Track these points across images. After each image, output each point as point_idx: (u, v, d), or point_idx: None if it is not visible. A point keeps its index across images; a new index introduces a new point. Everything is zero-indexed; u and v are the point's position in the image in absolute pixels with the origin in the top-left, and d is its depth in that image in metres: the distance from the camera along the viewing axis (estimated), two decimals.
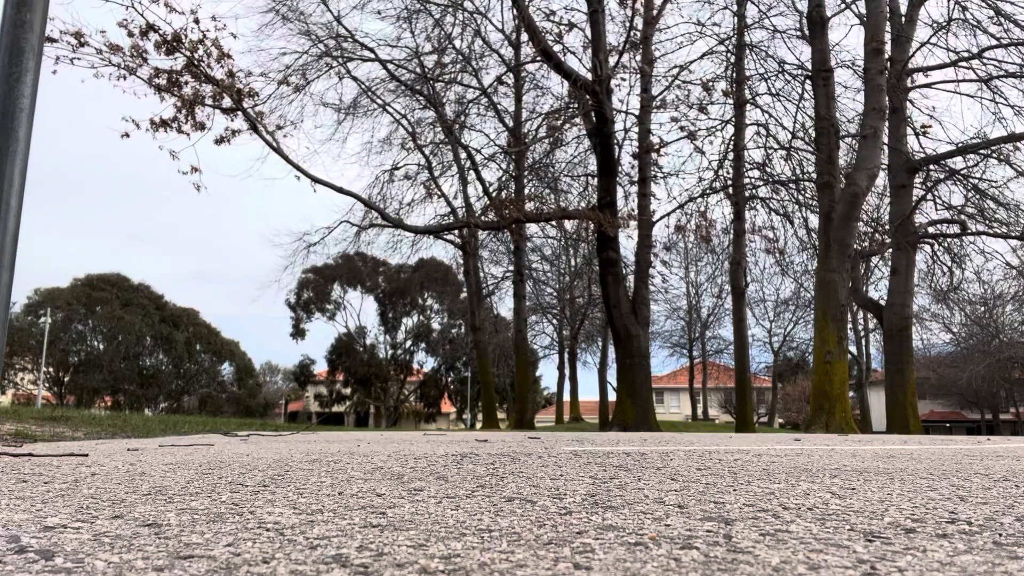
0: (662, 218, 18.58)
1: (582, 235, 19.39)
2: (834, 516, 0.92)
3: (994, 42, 16.10)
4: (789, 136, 17.97)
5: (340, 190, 15.63)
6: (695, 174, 25.85)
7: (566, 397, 40.90)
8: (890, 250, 17.05)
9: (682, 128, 16.62)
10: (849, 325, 26.85)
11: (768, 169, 18.70)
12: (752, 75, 18.22)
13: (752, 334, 20.92)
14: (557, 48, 14.53)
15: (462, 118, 20.66)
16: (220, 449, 2.56)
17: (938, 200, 17.71)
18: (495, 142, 21.56)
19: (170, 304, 50.33)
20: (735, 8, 17.93)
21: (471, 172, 21.10)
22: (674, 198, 31.68)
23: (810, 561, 0.65)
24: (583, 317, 33.59)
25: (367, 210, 19.24)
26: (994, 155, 16.44)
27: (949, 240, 17.97)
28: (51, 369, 44.47)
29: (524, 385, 21.50)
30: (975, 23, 16.08)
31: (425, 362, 53.43)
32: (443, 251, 41.84)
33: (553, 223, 16.52)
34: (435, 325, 52.17)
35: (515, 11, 14.57)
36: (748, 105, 18.42)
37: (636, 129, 16.78)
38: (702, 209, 19.15)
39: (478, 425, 48.28)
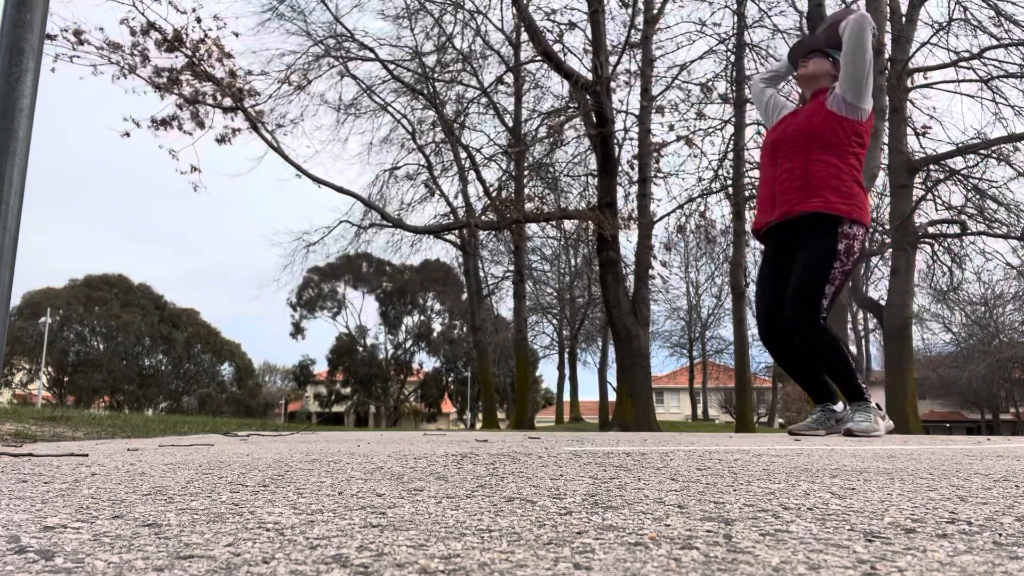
0: (662, 218, 18.58)
1: (582, 235, 19.40)
2: (834, 516, 0.92)
3: (994, 42, 16.12)
4: None
5: (340, 189, 15.65)
6: (695, 174, 25.87)
7: (566, 397, 40.92)
8: (890, 250, 17.05)
9: (679, 137, 16.64)
10: (849, 325, 26.86)
11: None
12: (752, 74, 18.22)
13: (752, 334, 20.92)
14: (557, 48, 14.54)
15: (462, 118, 20.68)
16: (220, 449, 2.56)
17: (938, 200, 17.73)
18: (495, 142, 21.59)
19: (170, 304, 50.32)
20: (735, 7, 17.95)
21: (471, 172, 21.12)
22: (674, 198, 31.72)
23: (810, 561, 0.65)
24: (583, 317, 33.60)
25: (367, 210, 19.26)
26: (994, 155, 16.45)
27: (949, 240, 17.97)
28: (50, 369, 44.42)
29: (524, 385, 21.50)
30: (975, 23, 16.11)
31: (425, 362, 53.44)
32: (443, 251, 41.85)
33: (553, 223, 16.52)
34: (436, 325, 52.19)
35: (515, 10, 14.58)
36: (748, 105, 18.43)
37: (636, 129, 16.79)
38: (702, 209, 19.18)
39: (478, 425, 48.26)
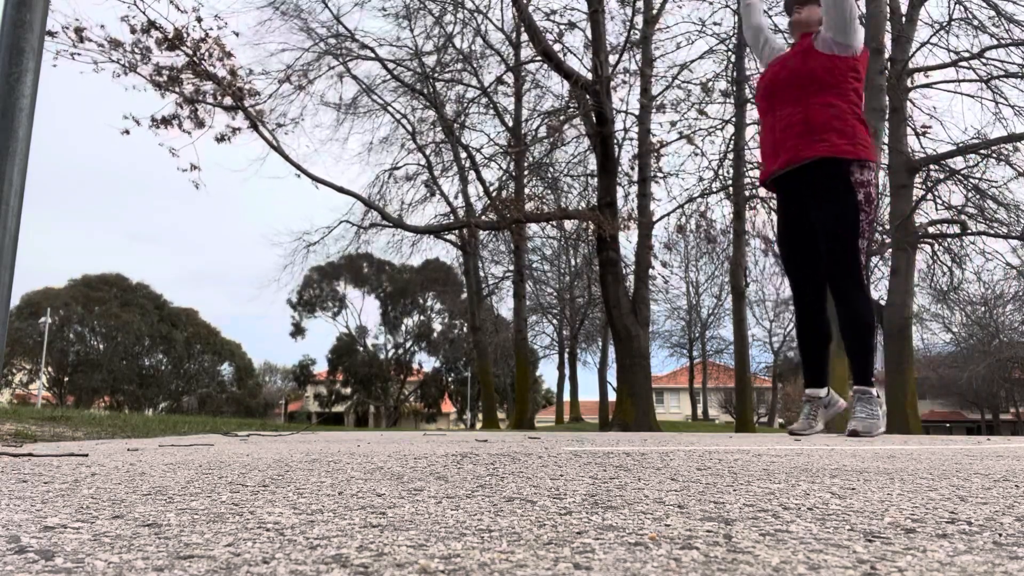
0: (662, 218, 18.58)
1: (582, 235, 19.40)
2: (834, 516, 0.92)
3: (994, 42, 16.13)
4: None
5: (340, 189, 15.64)
6: (695, 174, 25.86)
7: (566, 397, 40.91)
8: (890, 250, 17.05)
9: (680, 134, 16.63)
10: None
11: None
12: (752, 74, 18.21)
13: (752, 334, 20.94)
14: (557, 48, 14.54)
15: (462, 118, 20.68)
16: (220, 449, 2.56)
17: (938, 200, 17.72)
18: (495, 142, 21.59)
19: (169, 304, 50.32)
20: (735, 7, 17.94)
21: (471, 172, 21.12)
22: (674, 198, 31.72)
23: (810, 561, 0.65)
24: (583, 317, 33.59)
25: (367, 210, 19.26)
26: (994, 155, 16.44)
27: (949, 240, 17.97)
28: (50, 369, 44.40)
29: (524, 385, 21.50)
30: (976, 23, 16.12)
31: (425, 362, 53.45)
32: (443, 251, 41.89)
33: (553, 223, 16.52)
34: (436, 325, 52.19)
35: (515, 10, 14.58)
36: (749, 104, 18.43)
37: (636, 129, 16.79)
38: (702, 209, 19.17)
39: (478, 425, 48.26)
